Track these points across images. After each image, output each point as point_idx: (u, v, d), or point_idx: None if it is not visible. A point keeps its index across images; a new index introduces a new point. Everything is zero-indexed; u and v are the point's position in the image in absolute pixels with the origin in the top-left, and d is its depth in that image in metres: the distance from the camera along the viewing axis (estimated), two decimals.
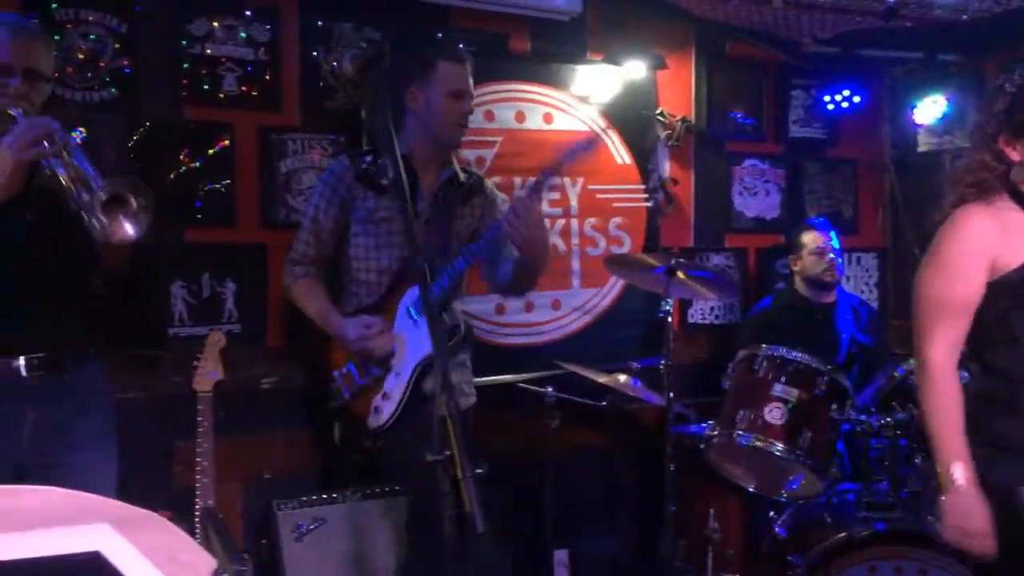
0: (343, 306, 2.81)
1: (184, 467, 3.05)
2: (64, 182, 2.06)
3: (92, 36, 3.15)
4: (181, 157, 3.26)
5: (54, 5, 3.09)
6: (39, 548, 0.99)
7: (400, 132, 2.77)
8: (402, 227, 2.62)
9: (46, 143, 2.04)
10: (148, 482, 2.98)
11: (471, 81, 2.76)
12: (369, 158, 2.76)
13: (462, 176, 2.86)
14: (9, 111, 2.12)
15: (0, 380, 2.19)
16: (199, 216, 3.28)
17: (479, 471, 1.40)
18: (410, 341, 2.63)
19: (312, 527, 3.02)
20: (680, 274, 3.00)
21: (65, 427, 2.27)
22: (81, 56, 3.13)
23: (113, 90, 3.17)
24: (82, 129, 3.17)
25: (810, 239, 3.76)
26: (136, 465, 2.96)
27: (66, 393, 2.27)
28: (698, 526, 3.15)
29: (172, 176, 3.24)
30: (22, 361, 2.20)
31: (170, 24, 3.26)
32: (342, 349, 2.70)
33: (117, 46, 3.18)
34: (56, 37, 3.07)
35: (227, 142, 3.32)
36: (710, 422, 3.13)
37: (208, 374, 2.95)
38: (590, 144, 2.94)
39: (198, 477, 2.86)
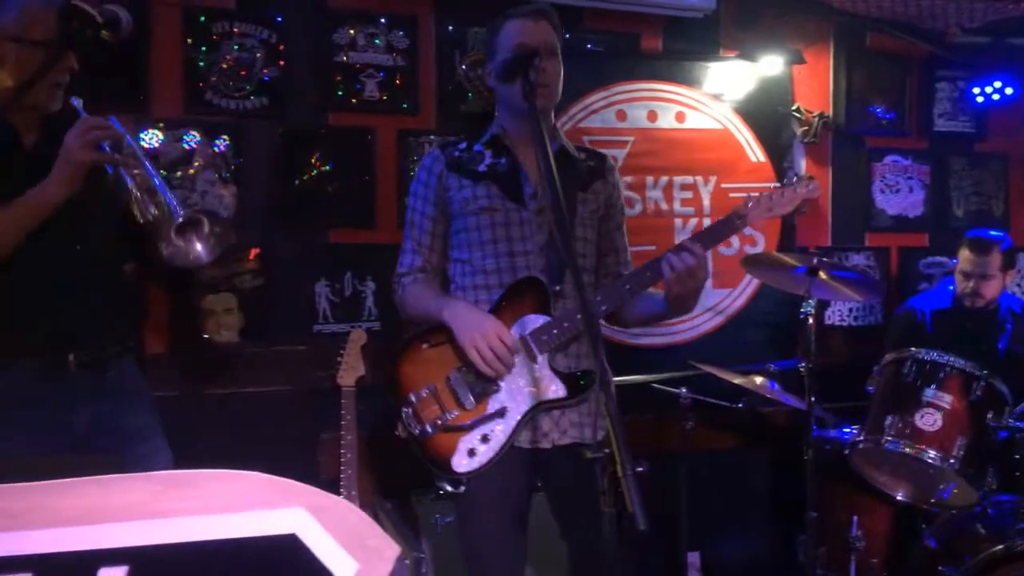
0: None
1: (328, 458, 3.18)
2: (135, 194, 2.01)
3: (242, 47, 3.31)
4: (324, 161, 3.40)
5: (202, 19, 3.27)
6: (240, 529, 1.05)
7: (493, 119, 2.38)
8: (506, 220, 2.21)
9: (109, 148, 1.98)
10: (293, 472, 3.11)
11: (550, 37, 2.25)
12: (463, 145, 2.33)
13: (575, 152, 2.35)
14: (70, 102, 2.06)
15: (49, 377, 2.13)
16: (341, 218, 3.41)
17: (640, 469, 1.40)
18: (525, 378, 2.14)
19: (449, 520, 3.09)
20: (822, 274, 2.91)
21: (112, 426, 2.22)
22: (227, 66, 3.30)
23: (263, 98, 3.33)
24: (225, 137, 3.37)
25: (963, 257, 3.50)
26: (282, 455, 3.12)
27: (110, 390, 2.23)
28: (839, 533, 3.05)
29: (315, 180, 3.38)
30: (71, 357, 2.14)
31: (315, 34, 3.40)
32: (421, 366, 2.18)
33: (259, 55, 3.33)
34: (203, 48, 3.26)
35: (368, 146, 3.44)
36: (855, 427, 3.03)
37: (351, 370, 3.07)
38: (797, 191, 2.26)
39: (342, 468, 2.97)
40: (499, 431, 2.10)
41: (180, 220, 1.94)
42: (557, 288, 2.16)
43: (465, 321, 2.11)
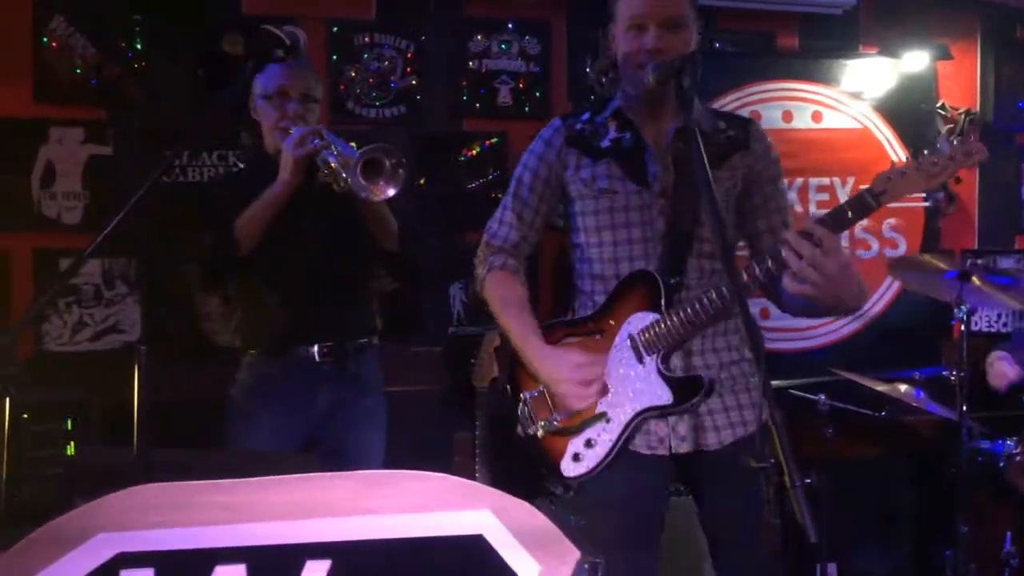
0: (567, 315, 2.21)
1: (463, 456, 3.24)
2: (334, 166, 2.34)
3: (379, 57, 3.43)
4: (459, 165, 3.48)
5: (335, 29, 3.41)
6: (431, 528, 1.11)
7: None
8: (626, 203, 2.02)
9: (316, 141, 2.37)
10: (429, 469, 3.20)
11: (672, 9, 1.94)
12: (586, 116, 2.13)
13: (710, 125, 2.04)
14: (290, 130, 2.44)
15: (299, 364, 2.50)
16: (476, 222, 3.47)
17: (808, 481, 1.38)
18: (631, 381, 1.98)
19: (583, 522, 3.10)
20: (975, 279, 2.79)
21: (346, 408, 2.56)
22: (363, 76, 3.42)
23: (400, 106, 3.44)
24: (353, 144, 3.48)
25: None
26: (418, 452, 3.18)
27: (349, 378, 2.55)
28: (990, 549, 2.93)
29: (451, 184, 3.47)
30: (315, 348, 2.50)
31: (449, 42, 3.49)
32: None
33: (396, 65, 3.44)
34: (334, 57, 3.41)
35: (500, 151, 3.50)
36: (1012, 439, 2.90)
37: (485, 371, 3.13)
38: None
39: (477, 467, 3.03)
40: (604, 436, 1.99)
41: (361, 160, 2.23)
42: (674, 280, 1.98)
43: (544, 370, 2.03)
